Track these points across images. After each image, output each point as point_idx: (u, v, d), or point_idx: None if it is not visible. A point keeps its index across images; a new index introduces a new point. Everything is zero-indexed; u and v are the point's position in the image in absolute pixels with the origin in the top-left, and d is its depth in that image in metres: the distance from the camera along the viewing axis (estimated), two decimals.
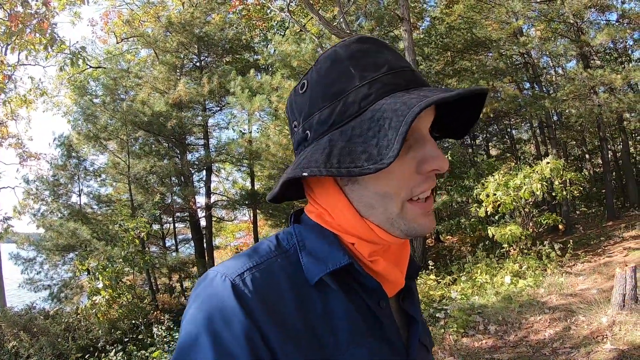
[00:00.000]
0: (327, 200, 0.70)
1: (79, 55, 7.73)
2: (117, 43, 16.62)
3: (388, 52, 0.69)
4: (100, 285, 7.78)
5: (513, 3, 12.98)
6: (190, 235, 17.67)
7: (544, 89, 14.97)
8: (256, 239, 17.22)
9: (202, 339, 0.56)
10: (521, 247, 9.03)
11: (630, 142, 18.00)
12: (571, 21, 13.62)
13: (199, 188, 16.30)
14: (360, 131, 0.61)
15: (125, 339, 7.47)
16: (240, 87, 10.45)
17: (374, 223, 0.68)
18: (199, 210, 15.88)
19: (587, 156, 20.23)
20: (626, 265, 5.22)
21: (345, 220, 0.69)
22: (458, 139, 0.80)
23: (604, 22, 15.35)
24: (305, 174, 0.62)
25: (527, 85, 16.81)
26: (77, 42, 19.98)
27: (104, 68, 15.57)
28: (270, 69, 15.93)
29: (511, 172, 9.58)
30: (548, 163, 8.81)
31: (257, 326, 0.57)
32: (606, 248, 9.65)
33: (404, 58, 0.71)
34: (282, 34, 14.76)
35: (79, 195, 13.74)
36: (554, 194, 9.11)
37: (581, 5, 13.05)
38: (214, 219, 17.29)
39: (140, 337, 7.63)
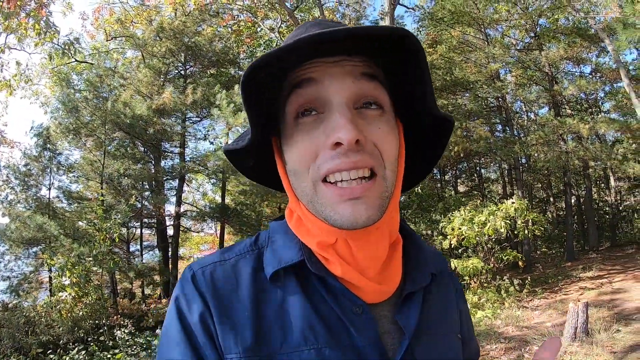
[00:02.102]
0: (283, 181, 0.73)
1: (70, 46, 7.72)
2: (107, 40, 16.57)
3: (313, 29, 0.69)
4: (67, 282, 7.65)
5: (494, 49, 13.62)
6: (155, 242, 17.49)
7: (515, 132, 15.61)
8: None
9: (173, 313, 0.67)
10: (482, 280, 9.36)
11: (593, 189, 18.89)
12: (547, 70, 14.37)
13: (170, 196, 16.18)
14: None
15: (89, 339, 7.36)
16: (226, 102, 10.57)
17: (307, 209, 0.68)
18: (167, 218, 15.78)
19: (551, 199, 21.06)
20: (579, 301, 5.56)
21: (291, 202, 0.71)
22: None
23: (578, 73, 16.27)
24: (227, 146, 0.73)
25: (499, 127, 17.48)
26: (71, 32, 19.77)
27: (90, 63, 15.49)
28: None
29: (477, 208, 9.95)
30: (513, 203, 9.22)
31: (208, 308, 0.65)
32: (563, 287, 10.09)
33: (326, 23, 0.71)
34: None
35: (49, 189, 13.49)
36: (516, 232, 9.50)
37: (557, 57, 13.83)
38: (181, 228, 17.16)
39: (101, 338, 7.53)
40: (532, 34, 15.21)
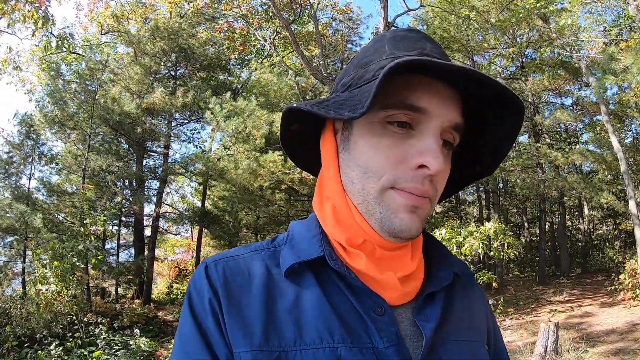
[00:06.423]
0: (325, 166, 0.72)
1: (65, 39, 7.68)
2: (102, 34, 16.40)
3: (429, 44, 0.68)
4: (49, 275, 7.47)
5: None
6: (130, 242, 17.28)
7: None
8: (197, 256, 17.00)
9: (185, 303, 0.67)
10: None
11: (567, 217, 19.40)
12: (529, 100, 14.82)
13: (150, 196, 16.07)
14: (361, 92, 0.61)
15: (69, 334, 7.25)
16: (219, 106, 10.59)
17: (353, 203, 0.67)
18: (145, 218, 15.68)
19: (526, 224, 21.52)
20: (550, 321, 5.79)
21: (331, 190, 0.70)
22: (488, 174, 0.78)
23: (560, 104, 16.83)
24: (295, 104, 0.66)
25: None
26: (67, 25, 19.51)
27: (81, 55, 15.35)
28: (241, 92, 16.19)
29: (455, 229, 10.17)
30: (492, 225, 9.45)
31: (218, 300, 0.64)
32: (534, 309, 10.40)
33: (443, 52, 0.69)
34: (260, 61, 15.15)
35: (29, 179, 13.25)
36: (491, 254, 9.74)
37: (541, 87, 14.30)
38: (159, 229, 17.04)
39: (77, 335, 7.44)
40: (518, 63, 15.72)
